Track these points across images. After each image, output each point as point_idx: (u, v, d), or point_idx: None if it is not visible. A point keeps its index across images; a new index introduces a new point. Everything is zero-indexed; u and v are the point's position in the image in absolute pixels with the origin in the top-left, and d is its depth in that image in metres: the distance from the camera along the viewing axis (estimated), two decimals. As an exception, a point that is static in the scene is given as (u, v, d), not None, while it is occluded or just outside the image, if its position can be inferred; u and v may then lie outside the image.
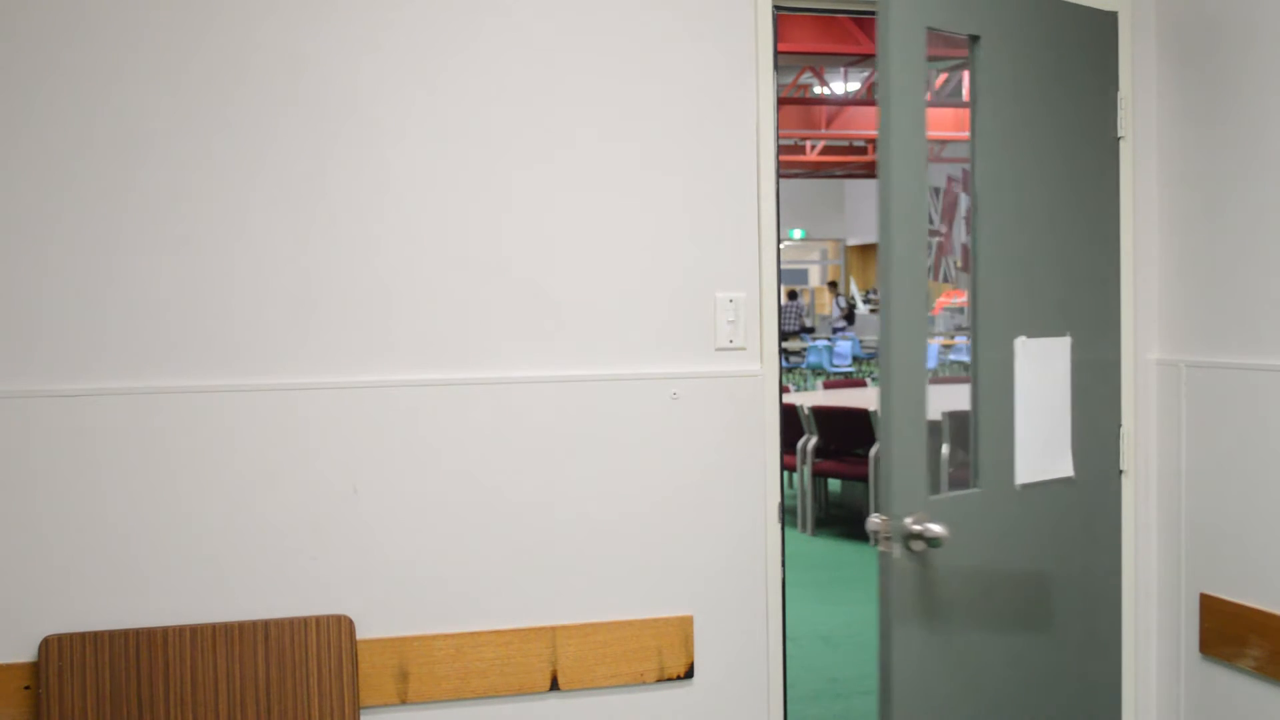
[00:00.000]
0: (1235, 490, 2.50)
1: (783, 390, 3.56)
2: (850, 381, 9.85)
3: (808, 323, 22.93)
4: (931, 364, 14.60)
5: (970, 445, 2.50)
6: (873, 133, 15.72)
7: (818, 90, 16.52)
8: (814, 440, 7.65)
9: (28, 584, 2.24)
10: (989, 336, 2.44)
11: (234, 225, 2.32)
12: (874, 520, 2.21)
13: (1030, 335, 2.50)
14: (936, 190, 22.21)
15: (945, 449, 6.77)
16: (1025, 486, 2.51)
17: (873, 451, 7.05)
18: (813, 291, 27.46)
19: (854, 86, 16.22)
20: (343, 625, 2.35)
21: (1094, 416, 2.66)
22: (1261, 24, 2.41)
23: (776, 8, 2.60)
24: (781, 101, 14.38)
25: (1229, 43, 2.49)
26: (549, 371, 2.48)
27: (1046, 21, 2.52)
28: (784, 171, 21.59)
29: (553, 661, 2.47)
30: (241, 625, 2.31)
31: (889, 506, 2.20)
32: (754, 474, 2.58)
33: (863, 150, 20.02)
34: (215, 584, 2.32)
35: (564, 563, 2.49)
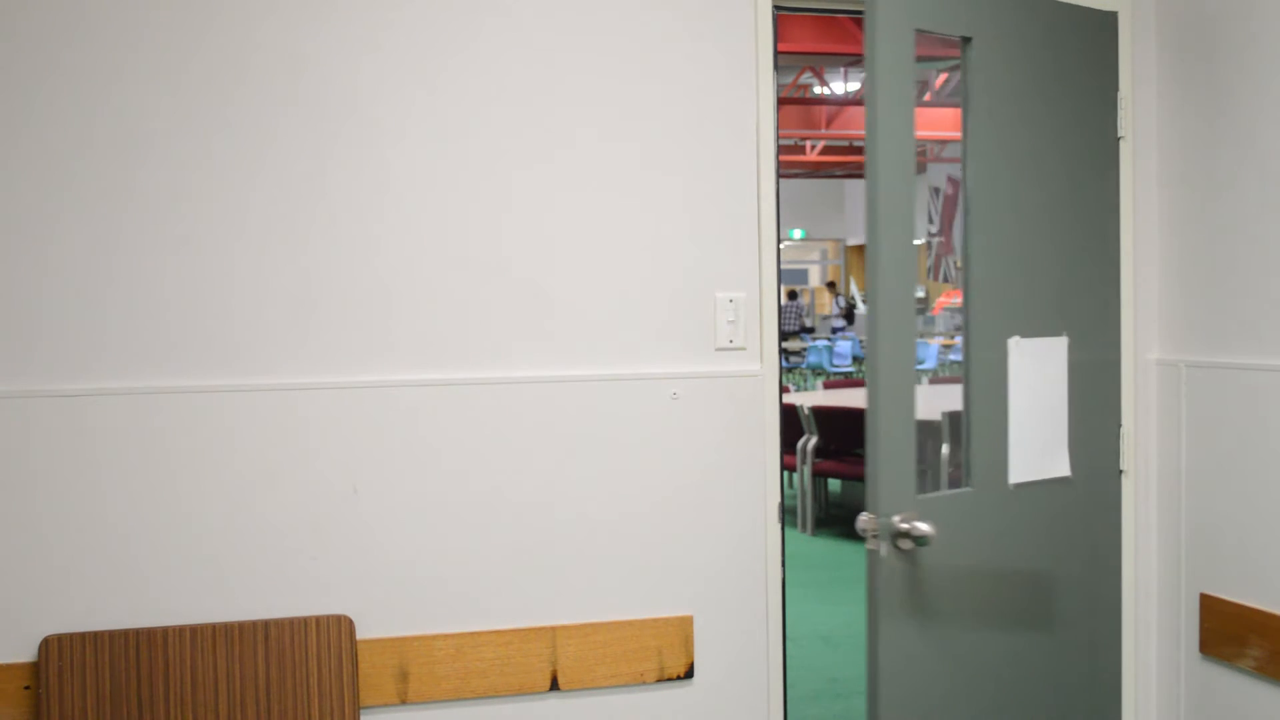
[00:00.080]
0: (1235, 490, 2.50)
1: (783, 390, 3.56)
2: (850, 381, 9.85)
3: (808, 323, 22.93)
4: (931, 364, 14.59)
5: (962, 445, 2.50)
6: (873, 133, 15.65)
7: (818, 90, 16.52)
8: (814, 440, 7.65)
9: (28, 584, 2.24)
10: (982, 337, 2.44)
11: (234, 225, 2.32)
12: (863, 518, 2.22)
13: (1025, 335, 2.51)
14: (936, 190, 22.20)
15: (945, 449, 6.77)
16: (1019, 486, 2.51)
17: (872, 451, 7.03)
18: (813, 291, 27.45)
19: (854, 86, 16.22)
20: (343, 625, 2.35)
21: (1093, 416, 2.66)
22: (1261, 24, 2.41)
23: (776, 8, 2.60)
24: (781, 101, 14.37)
25: (1229, 43, 2.49)
26: (549, 371, 2.48)
27: (1043, 22, 2.52)
28: (784, 171, 21.61)
29: (553, 661, 2.47)
30: (241, 625, 2.31)
31: (876, 505, 2.21)
32: (754, 474, 2.58)
33: (863, 150, 20.01)
34: (215, 584, 2.32)
35: (564, 563, 2.49)
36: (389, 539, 2.40)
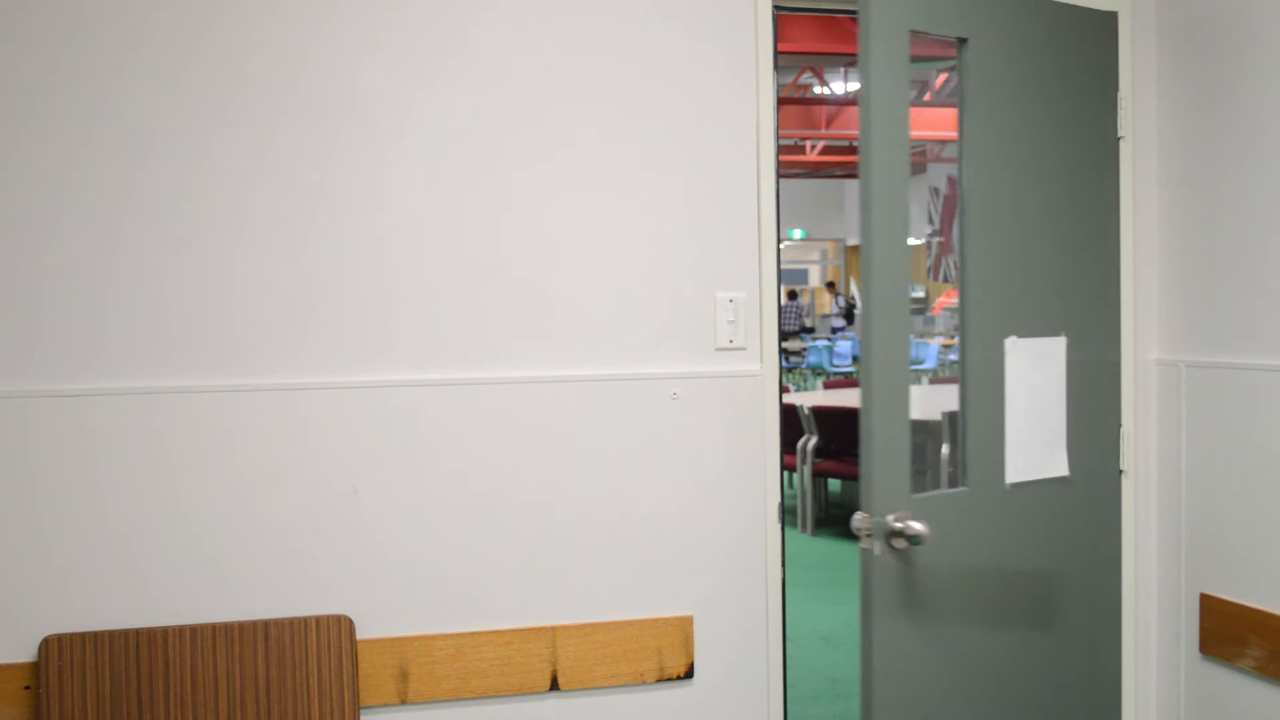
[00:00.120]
0: (1235, 490, 2.50)
1: (783, 390, 3.56)
2: (850, 381, 9.85)
3: (808, 323, 22.93)
4: (931, 364, 14.59)
5: (958, 444, 2.50)
6: (873, 133, 15.64)
7: (818, 90, 16.52)
8: (814, 440, 7.65)
9: (28, 584, 2.24)
10: (978, 337, 2.45)
11: (234, 225, 2.32)
12: (858, 517, 2.24)
13: (1022, 335, 2.51)
14: (936, 190, 22.21)
15: (945, 449, 6.77)
16: (1016, 486, 2.51)
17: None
18: (813, 291, 27.45)
19: (854, 86, 16.22)
20: (343, 625, 2.35)
21: (1093, 416, 2.66)
22: (1261, 24, 2.41)
23: (776, 8, 2.60)
24: (781, 101, 14.37)
25: (1229, 43, 2.49)
26: (549, 371, 2.48)
27: (1041, 23, 2.52)
28: (784, 171, 21.61)
29: (553, 661, 2.47)
30: (241, 625, 2.31)
31: (870, 504, 2.22)
32: (754, 474, 2.58)
33: (863, 150, 19.97)
34: (215, 584, 2.32)
35: (564, 563, 2.49)
36: (389, 539, 2.40)
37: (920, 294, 22.28)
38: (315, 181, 2.36)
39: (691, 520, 2.55)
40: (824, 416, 7.61)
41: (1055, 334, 2.58)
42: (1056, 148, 2.57)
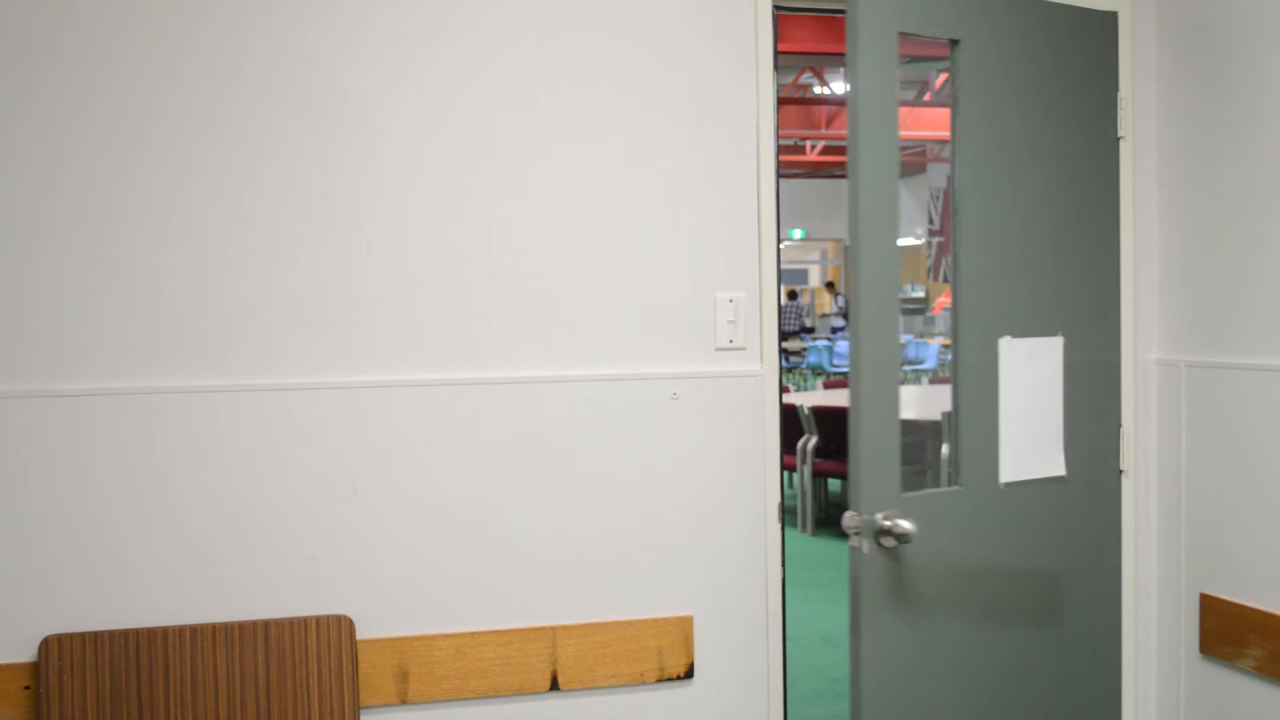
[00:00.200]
0: (1235, 490, 2.50)
1: (783, 390, 3.56)
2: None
3: (808, 323, 22.93)
4: (931, 364, 14.59)
5: (951, 444, 2.51)
6: (873, 133, 15.63)
7: (818, 90, 16.52)
8: (814, 440, 7.65)
9: (28, 584, 2.24)
10: (971, 337, 2.45)
11: (232, 224, 2.32)
12: (847, 516, 2.25)
13: (1016, 335, 2.51)
14: (936, 191, 22.20)
15: (945, 449, 6.77)
16: (1011, 485, 2.51)
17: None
18: (813, 291, 27.44)
19: (853, 87, 16.17)
20: (343, 625, 2.35)
21: (1093, 416, 2.66)
22: (1261, 24, 2.41)
23: (776, 8, 2.60)
24: (781, 101, 14.36)
25: (1229, 43, 2.49)
26: (549, 371, 2.48)
27: (1037, 23, 2.52)
28: (784, 171, 21.60)
29: (553, 661, 2.47)
30: (241, 625, 2.31)
31: (858, 502, 2.23)
32: (754, 474, 2.58)
33: (863, 150, 19.96)
34: (215, 584, 2.32)
35: (564, 563, 2.49)
36: (389, 539, 2.40)
37: (920, 294, 22.28)
38: (313, 181, 2.36)
39: (691, 520, 2.55)
40: (824, 416, 7.61)
41: (1052, 334, 2.58)
42: (1055, 148, 2.57)
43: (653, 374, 2.53)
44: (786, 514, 2.93)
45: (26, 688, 2.23)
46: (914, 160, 21.83)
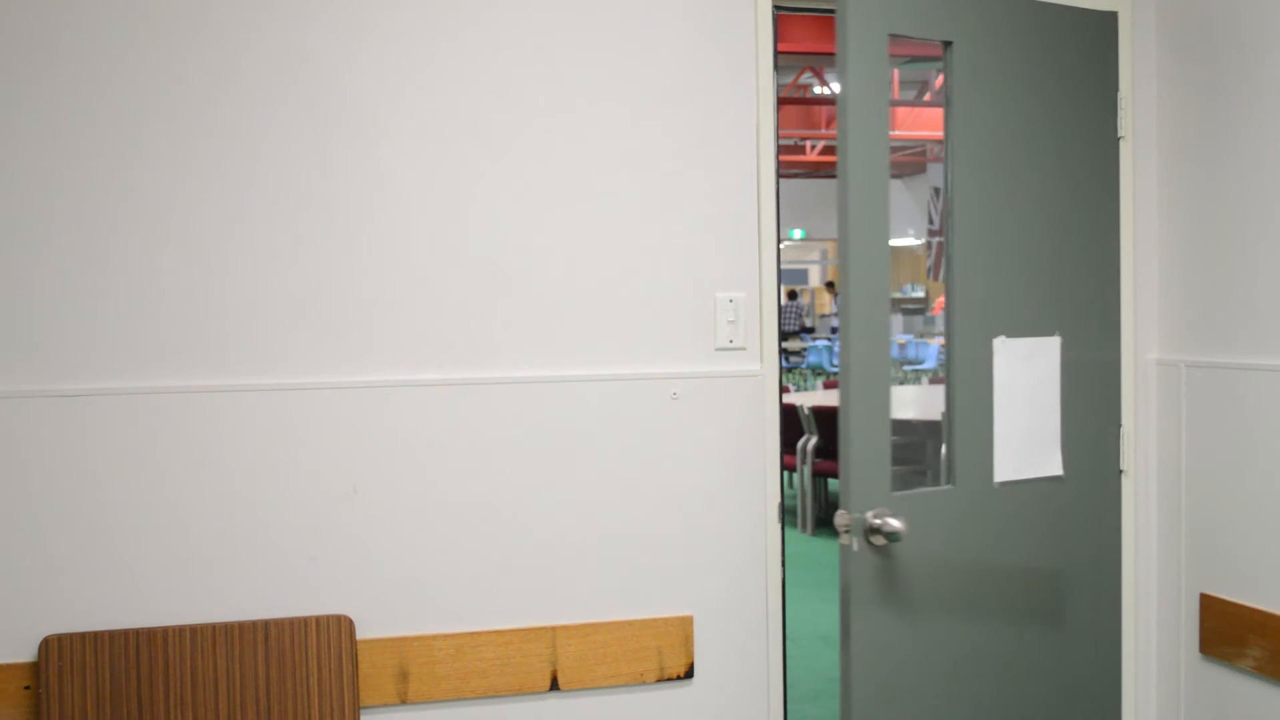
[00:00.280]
0: (1235, 490, 2.50)
1: (783, 390, 3.56)
2: (850, 381, 9.84)
3: (808, 323, 22.93)
4: (931, 364, 14.59)
5: (945, 443, 2.52)
6: (873, 133, 15.59)
7: (818, 90, 16.52)
8: (814, 440, 7.65)
9: (28, 584, 2.24)
10: (965, 337, 2.46)
11: (232, 224, 2.32)
12: (838, 515, 2.27)
13: (1012, 335, 2.51)
14: (937, 191, 22.21)
15: (945, 449, 6.76)
16: (1006, 484, 2.52)
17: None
18: (813, 291, 27.44)
19: (854, 86, 16.15)
20: (343, 625, 2.35)
21: (1093, 416, 2.66)
22: (1261, 24, 2.41)
23: (776, 8, 2.60)
24: (781, 101, 14.36)
25: (1229, 43, 2.49)
26: (549, 371, 2.48)
27: (1034, 24, 2.52)
28: (784, 171, 21.60)
29: (553, 661, 2.47)
30: (241, 625, 2.31)
31: (848, 501, 2.24)
32: (754, 474, 2.58)
33: (863, 150, 19.94)
34: (215, 584, 2.32)
35: (564, 562, 2.49)
36: (389, 539, 2.40)
37: (920, 294, 22.28)
38: (313, 181, 2.36)
39: (691, 520, 2.55)
40: (824, 416, 7.61)
41: (1049, 334, 2.58)
42: (1054, 149, 2.57)
43: (653, 374, 2.53)
44: (786, 514, 2.93)
45: (26, 688, 2.23)
46: (914, 160, 21.83)
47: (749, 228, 2.58)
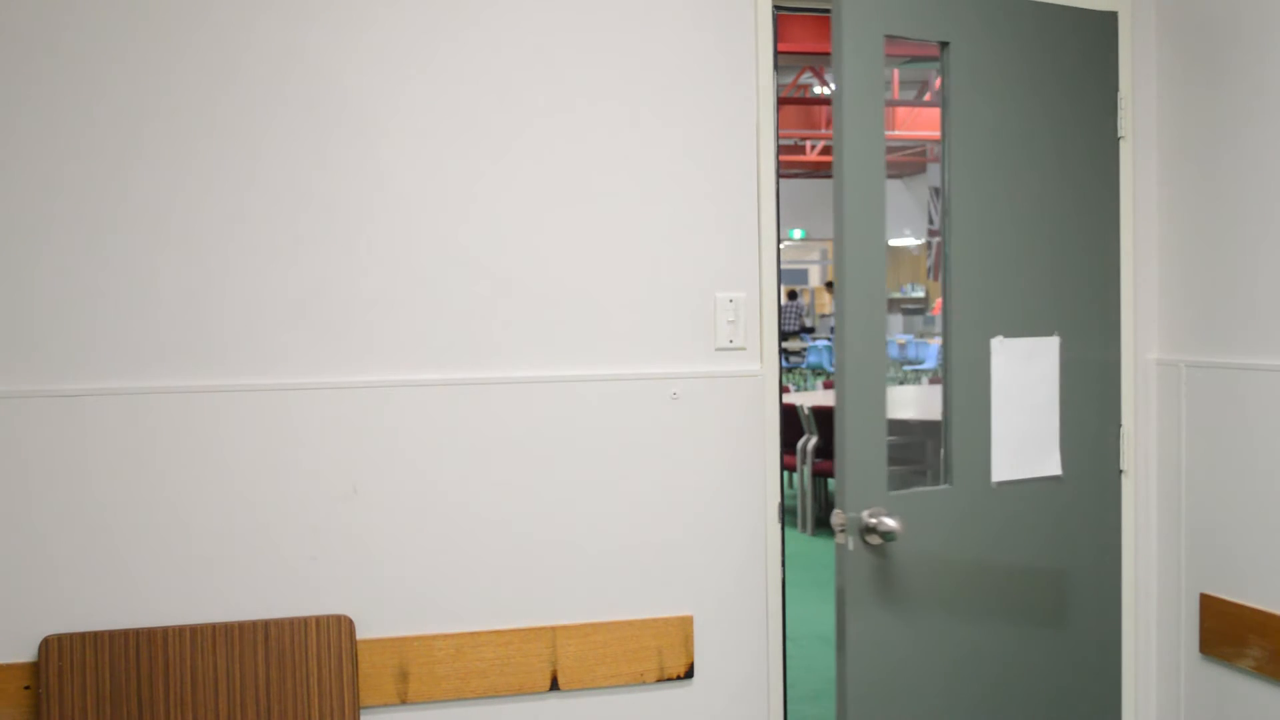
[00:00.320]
0: (1235, 490, 2.50)
1: (783, 390, 3.56)
2: (850, 381, 9.84)
3: (808, 323, 22.94)
4: (931, 364, 14.59)
5: (942, 443, 2.52)
6: (873, 133, 15.59)
7: (818, 90, 16.52)
8: (814, 440, 7.65)
9: (28, 584, 2.24)
10: (961, 337, 2.46)
11: (232, 224, 2.32)
12: (834, 514, 2.28)
13: (1009, 335, 2.51)
14: (936, 191, 22.20)
15: (942, 448, 6.76)
16: (1003, 484, 2.52)
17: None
18: (813, 291, 27.45)
19: (854, 86, 16.14)
20: (343, 625, 2.35)
21: (1093, 416, 2.66)
22: (1262, 24, 2.41)
23: (776, 8, 2.60)
24: (781, 101, 14.35)
25: (1229, 42, 2.49)
26: (549, 371, 2.48)
27: (1033, 24, 2.52)
28: (784, 171, 21.60)
29: (553, 661, 2.47)
30: (241, 625, 2.31)
31: (843, 500, 2.25)
32: (754, 474, 2.58)
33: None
34: (215, 584, 2.32)
35: (564, 562, 2.49)
36: (389, 539, 2.40)
37: (920, 294, 22.27)
38: (313, 181, 2.36)
39: (691, 520, 2.55)
40: (824, 416, 7.61)
41: (1048, 334, 2.58)
42: (1054, 149, 2.57)
43: (653, 374, 2.53)
44: (786, 514, 2.93)
45: (26, 688, 2.23)
46: (914, 160, 21.83)
47: (749, 228, 2.58)
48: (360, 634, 2.39)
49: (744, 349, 2.58)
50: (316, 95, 2.35)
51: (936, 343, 15.06)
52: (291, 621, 2.33)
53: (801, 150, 19.96)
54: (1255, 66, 2.43)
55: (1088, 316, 2.64)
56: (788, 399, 8.12)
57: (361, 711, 2.39)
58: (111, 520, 2.27)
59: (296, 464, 2.35)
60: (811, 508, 7.71)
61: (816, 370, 17.62)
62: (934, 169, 21.97)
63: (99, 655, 2.24)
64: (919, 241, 23.21)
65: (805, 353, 18.15)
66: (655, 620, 2.52)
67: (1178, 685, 2.68)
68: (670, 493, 2.54)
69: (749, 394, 2.58)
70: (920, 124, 15.39)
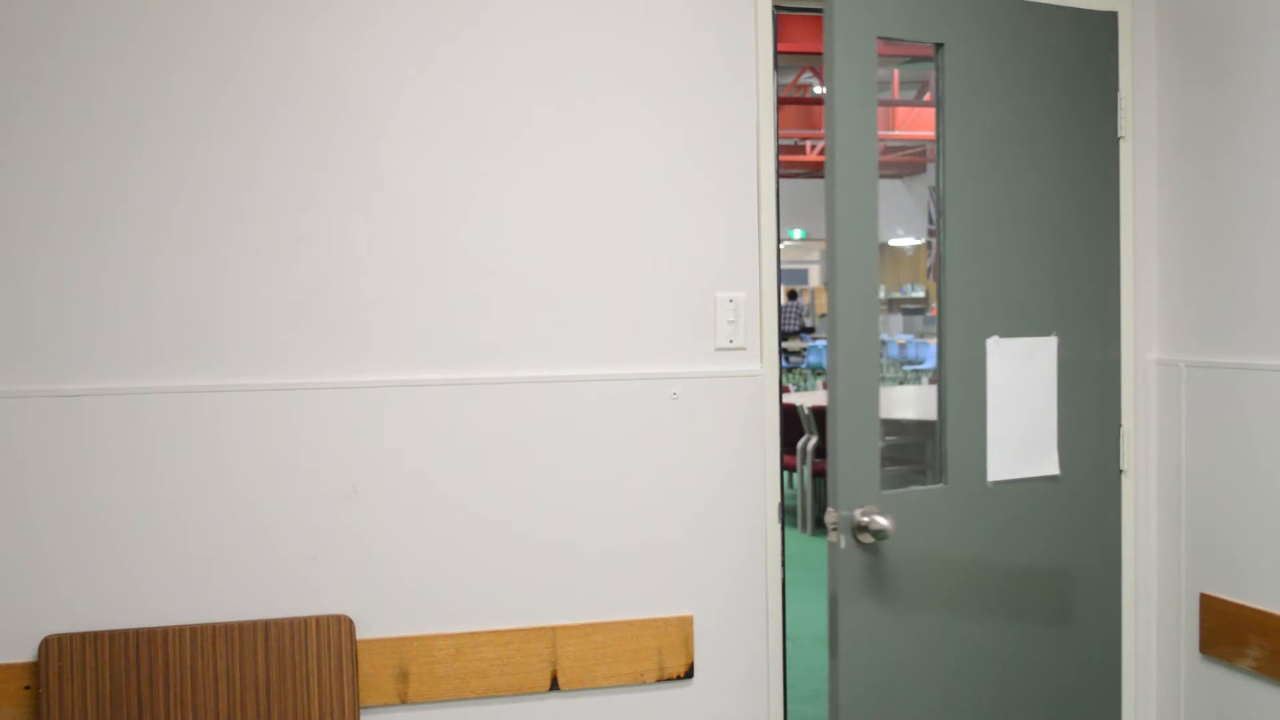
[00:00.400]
0: (1235, 490, 2.50)
1: (783, 390, 3.56)
2: (850, 381, 9.83)
3: (808, 323, 22.94)
4: (931, 364, 14.58)
5: (937, 442, 2.53)
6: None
7: (818, 90, 16.52)
8: (814, 440, 7.65)
9: (28, 584, 2.24)
10: (957, 337, 2.46)
11: (232, 224, 2.32)
12: (827, 513, 2.28)
13: (1006, 335, 2.52)
14: (934, 190, 22.21)
15: (937, 447, 6.76)
16: (999, 483, 2.52)
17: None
18: (813, 291, 27.46)
19: (854, 86, 16.15)
20: (343, 625, 2.35)
21: (1093, 416, 2.66)
22: (1261, 23, 2.41)
23: (776, 8, 2.60)
24: (781, 101, 14.36)
25: (1229, 42, 2.49)
26: (549, 371, 2.48)
27: (1030, 25, 2.52)
28: (784, 171, 21.59)
29: (553, 661, 2.47)
30: (241, 625, 2.31)
31: (836, 498, 2.25)
32: (754, 474, 2.58)
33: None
34: (215, 584, 2.32)
35: (564, 562, 2.49)
36: (389, 539, 2.40)
37: (920, 294, 22.27)
38: (313, 181, 2.36)
39: (691, 520, 2.55)
40: (824, 416, 7.61)
41: (1046, 334, 2.58)
42: (1053, 149, 2.57)
43: (653, 374, 2.53)
44: (786, 514, 2.94)
45: (26, 688, 2.23)
46: (914, 160, 21.82)
47: (749, 228, 2.58)
48: (360, 634, 2.39)
49: (744, 349, 2.58)
50: (316, 95, 2.35)
51: (935, 343, 15.07)
52: (291, 621, 2.33)
53: (801, 150, 19.95)
54: (1255, 66, 2.43)
55: (1088, 316, 2.64)
56: (788, 399, 8.13)
57: (361, 711, 2.39)
58: (111, 520, 2.27)
59: (296, 464, 2.35)
60: (811, 508, 7.71)
61: (816, 370, 17.62)
62: (934, 169, 21.96)
63: (99, 655, 2.24)
64: (919, 241, 23.20)
65: (805, 353, 18.15)
66: (655, 620, 2.52)
67: (1178, 685, 2.68)
68: (670, 493, 2.54)
69: (749, 394, 2.58)
70: (920, 124, 15.39)
